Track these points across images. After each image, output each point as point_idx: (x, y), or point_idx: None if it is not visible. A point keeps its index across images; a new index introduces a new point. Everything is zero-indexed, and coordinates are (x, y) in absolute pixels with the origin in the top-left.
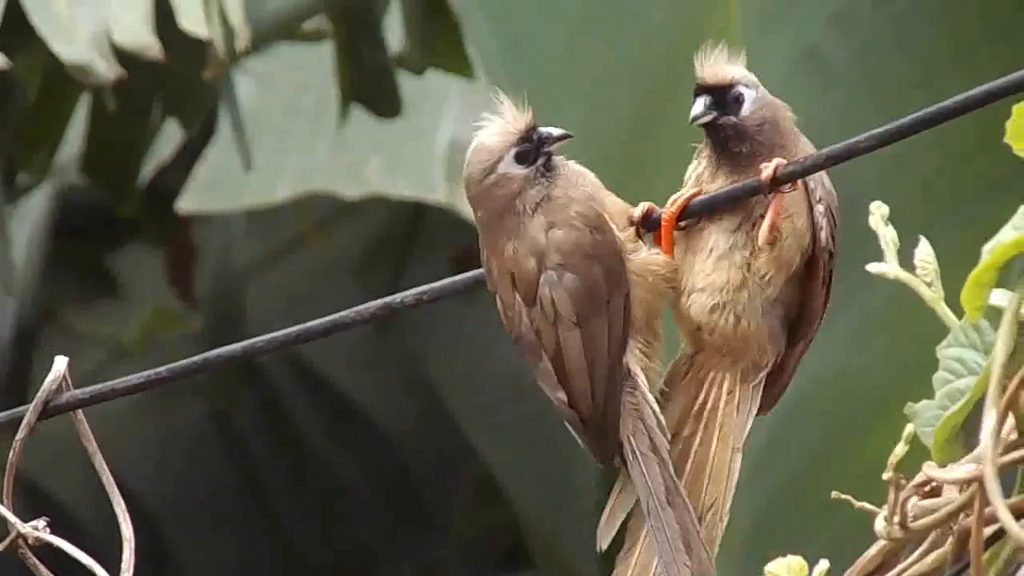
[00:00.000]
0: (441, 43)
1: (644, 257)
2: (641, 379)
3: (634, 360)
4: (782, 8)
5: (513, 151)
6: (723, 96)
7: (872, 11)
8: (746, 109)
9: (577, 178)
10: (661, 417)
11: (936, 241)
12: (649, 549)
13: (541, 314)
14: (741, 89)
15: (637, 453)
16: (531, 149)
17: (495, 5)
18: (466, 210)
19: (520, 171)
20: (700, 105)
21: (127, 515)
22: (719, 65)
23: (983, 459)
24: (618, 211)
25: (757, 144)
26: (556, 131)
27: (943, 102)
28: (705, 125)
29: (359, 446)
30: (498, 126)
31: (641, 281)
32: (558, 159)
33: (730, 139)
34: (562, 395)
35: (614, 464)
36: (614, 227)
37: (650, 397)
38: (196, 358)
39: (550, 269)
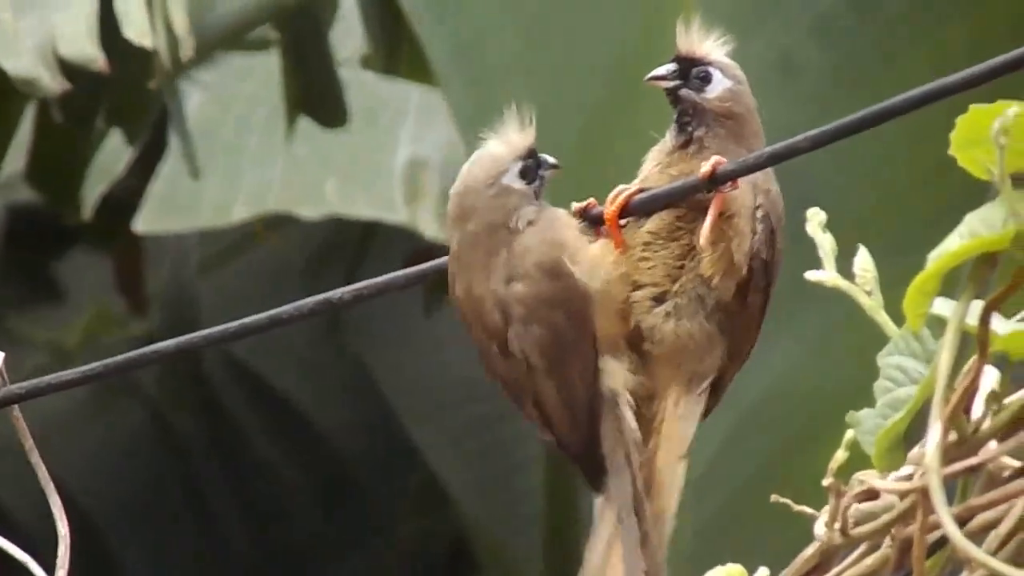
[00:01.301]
0: (400, 49)
1: (602, 275)
2: (621, 397)
3: (611, 378)
4: (757, 14)
5: (520, 164)
6: (690, 69)
7: (855, 21)
8: (712, 92)
9: (548, 221)
10: (638, 434)
11: (908, 254)
12: (600, 571)
13: (516, 364)
14: (711, 69)
15: (615, 467)
16: (533, 168)
17: (447, 7)
18: (425, 229)
19: (521, 186)
20: (663, 68)
21: (63, 512)
22: (697, 39)
23: (928, 470)
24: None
25: (714, 136)
26: (551, 159)
27: (880, 103)
28: (672, 100)
29: (302, 449)
30: (504, 139)
31: (605, 297)
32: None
33: (690, 120)
34: (550, 437)
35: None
36: (574, 268)
37: (628, 414)
38: (132, 354)
39: (516, 323)
